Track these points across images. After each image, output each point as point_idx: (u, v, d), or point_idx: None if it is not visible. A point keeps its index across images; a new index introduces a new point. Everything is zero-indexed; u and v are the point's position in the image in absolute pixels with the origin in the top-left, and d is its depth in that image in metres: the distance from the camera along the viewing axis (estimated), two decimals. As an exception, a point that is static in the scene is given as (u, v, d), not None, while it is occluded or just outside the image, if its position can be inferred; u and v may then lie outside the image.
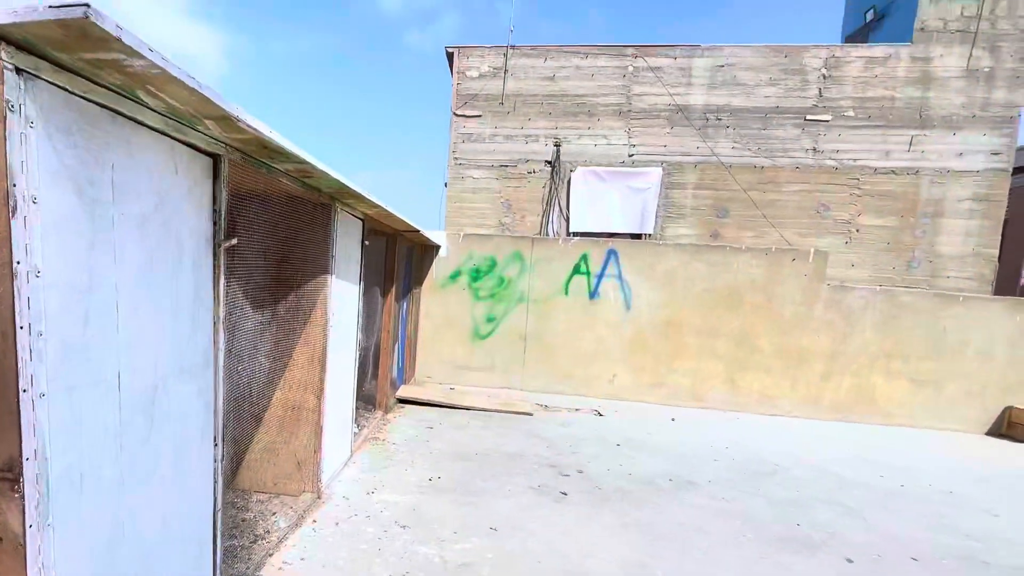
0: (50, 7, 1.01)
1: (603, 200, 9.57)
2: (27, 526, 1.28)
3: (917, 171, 9.05)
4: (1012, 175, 9.01)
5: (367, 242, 3.86)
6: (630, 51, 9.61)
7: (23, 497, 1.26)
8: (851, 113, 9.01)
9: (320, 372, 3.16)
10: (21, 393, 1.22)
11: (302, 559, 2.44)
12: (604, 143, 9.65)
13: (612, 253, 5.64)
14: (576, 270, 5.74)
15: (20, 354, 1.20)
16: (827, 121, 9.06)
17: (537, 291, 5.82)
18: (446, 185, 10.29)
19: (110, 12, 1.05)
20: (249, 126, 1.69)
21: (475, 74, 9.92)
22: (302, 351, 3.17)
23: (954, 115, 8.77)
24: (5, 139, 1.12)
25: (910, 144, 9.08)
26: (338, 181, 2.64)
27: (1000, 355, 3.94)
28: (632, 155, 9.61)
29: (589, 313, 5.67)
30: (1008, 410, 3.89)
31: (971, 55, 8.65)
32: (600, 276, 5.64)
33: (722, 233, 9.27)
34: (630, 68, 9.59)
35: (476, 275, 5.97)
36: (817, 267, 5.02)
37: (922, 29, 8.68)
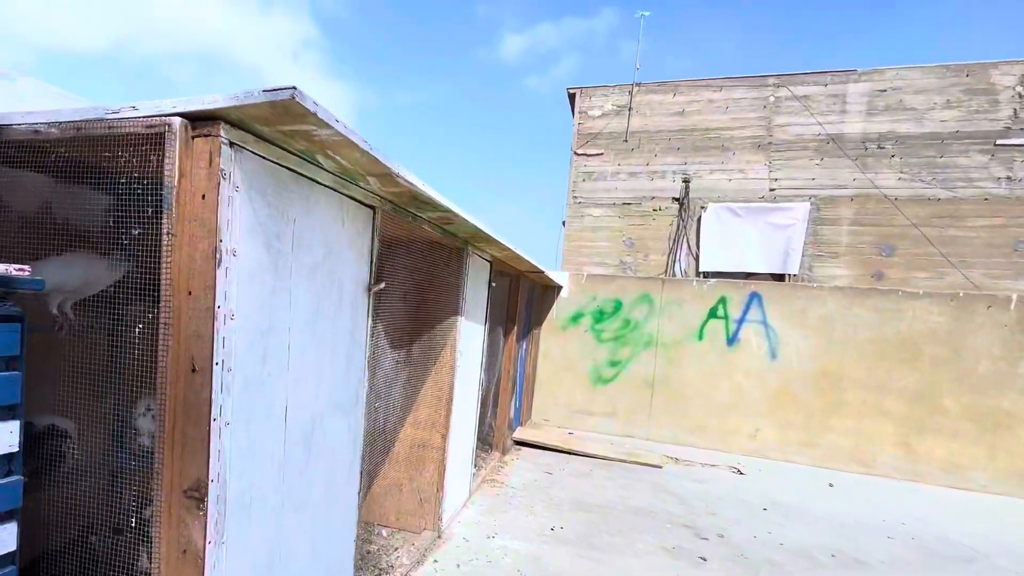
0: (264, 91, 1.18)
1: (739, 238, 8.93)
2: (207, 542, 1.42)
3: None
4: None
5: (494, 283, 3.97)
6: (771, 80, 9.04)
7: (206, 515, 1.41)
8: (1060, 133, 7.52)
9: (447, 411, 3.25)
10: (212, 422, 1.38)
11: (429, 598, 2.46)
12: (740, 177, 9.07)
13: (755, 296, 5.18)
14: (712, 314, 5.35)
15: (214, 386, 1.37)
16: (1023, 145, 7.64)
17: (667, 335, 5.51)
18: (564, 223, 10.35)
19: (274, 79, 1.19)
20: (407, 180, 1.82)
21: (598, 113, 9.99)
22: (431, 390, 3.29)
23: None
24: (218, 203, 1.32)
25: None
26: (475, 226, 2.75)
27: None
28: (773, 189, 8.89)
29: (727, 361, 5.22)
30: None
31: None
32: (740, 321, 5.19)
33: (887, 274, 8.12)
34: (771, 98, 9.00)
35: (600, 317, 5.84)
36: (1020, 315, 4.16)
37: None
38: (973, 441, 4.28)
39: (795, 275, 8.43)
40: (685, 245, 9.45)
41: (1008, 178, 7.81)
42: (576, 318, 5.93)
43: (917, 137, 8.11)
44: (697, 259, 9.33)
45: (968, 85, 7.94)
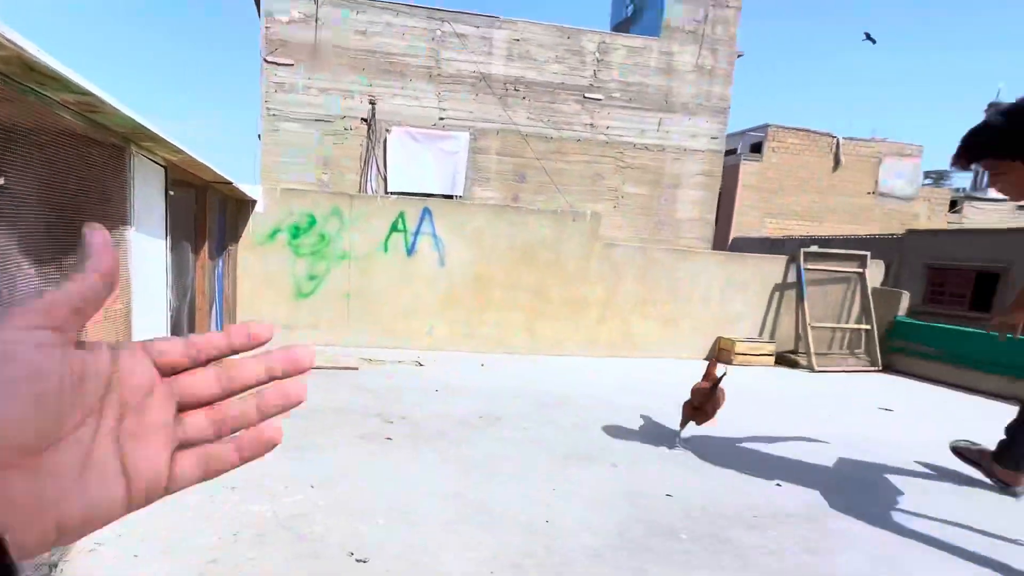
0: None
1: (418, 161, 9.71)
2: None
3: (663, 148, 11.06)
4: (724, 156, 11.64)
5: (172, 192, 3.50)
6: (439, 14, 9.70)
7: None
8: (617, 95, 10.55)
9: (127, 336, 2.89)
10: None
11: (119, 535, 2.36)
12: (416, 104, 9.70)
13: (426, 211, 5.93)
14: (394, 228, 5.90)
15: None
16: (600, 100, 10.45)
17: (358, 248, 5.85)
18: (260, 137, 9.29)
19: None
20: (6, 39, 1.50)
21: (285, 18, 8.99)
22: (99, 313, 2.83)
23: (688, 103, 10.89)
24: None
25: (659, 125, 11.01)
26: (132, 119, 2.41)
27: (715, 298, 5.31)
28: (443, 119, 9.86)
29: (407, 269, 5.93)
30: (718, 339, 5.31)
31: (699, 54, 10.75)
32: (416, 233, 5.91)
33: (521, 197, 10.23)
34: (439, 32, 9.71)
35: (296, 232, 5.74)
36: (592, 227, 6.00)
37: (667, 27, 10.49)
38: (567, 320, 6.04)
39: (460, 196, 9.79)
40: (375, 165, 9.72)
41: (591, 125, 10.59)
42: (274, 234, 5.67)
43: (539, 84, 10.14)
44: (385, 180, 9.76)
45: (568, 45, 10.23)
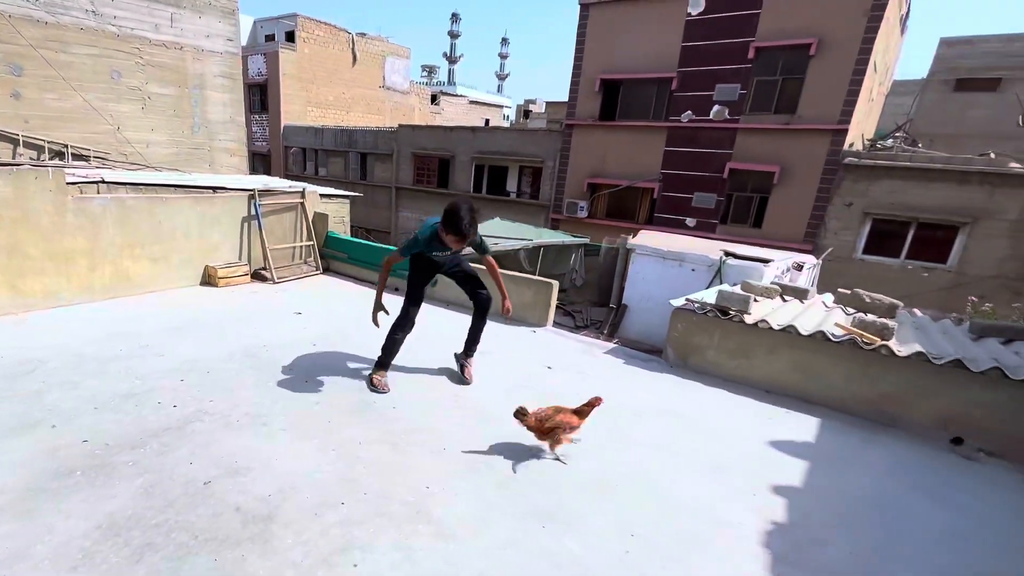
0: None
1: None
2: None
3: (181, 47, 10.64)
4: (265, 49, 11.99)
5: None
6: None
7: None
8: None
9: None
10: None
11: None
12: None
13: None
14: None
15: None
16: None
17: None
18: None
19: None
20: None
21: None
22: None
23: (198, 0, 10.59)
24: None
25: (171, 21, 10.47)
26: None
27: (195, 234, 6.39)
28: None
29: None
30: (206, 267, 6.51)
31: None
32: None
33: (25, 94, 8.41)
34: None
35: None
36: (58, 182, 6.02)
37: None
38: (57, 273, 6.12)
39: None
40: None
41: (94, 12, 9.21)
42: None
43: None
44: None
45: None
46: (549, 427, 2.63)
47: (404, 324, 3.59)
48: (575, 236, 12.20)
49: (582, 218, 15.90)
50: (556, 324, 5.44)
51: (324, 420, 3.06)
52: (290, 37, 21.86)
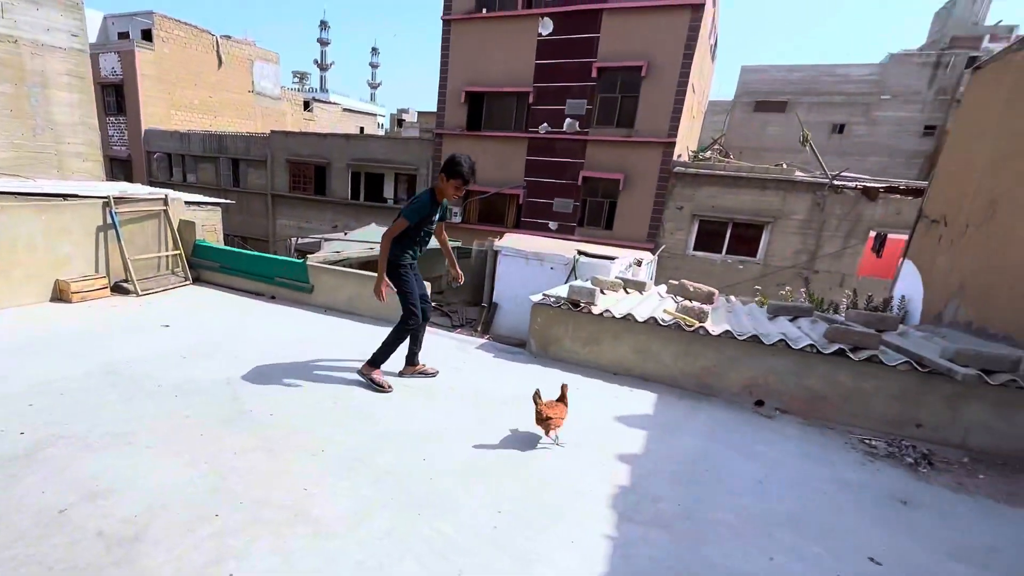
0: None
1: None
2: None
3: (16, 40, 9.62)
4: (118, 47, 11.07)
5: None
6: None
7: None
8: None
9: None
10: None
11: None
12: None
13: None
14: None
15: None
16: None
17: None
18: None
19: None
20: None
21: None
22: None
23: None
24: None
25: (2, 11, 9.39)
26: None
27: (40, 245, 6.01)
28: None
29: None
30: (57, 281, 6.13)
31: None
32: None
33: None
34: None
35: None
36: None
37: None
38: None
39: None
40: None
41: None
42: None
43: None
44: None
45: None
46: (548, 415, 2.96)
47: (413, 318, 3.68)
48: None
49: (457, 223, 16.71)
50: (433, 324, 5.92)
51: (196, 433, 2.93)
52: (147, 36, 20.11)
